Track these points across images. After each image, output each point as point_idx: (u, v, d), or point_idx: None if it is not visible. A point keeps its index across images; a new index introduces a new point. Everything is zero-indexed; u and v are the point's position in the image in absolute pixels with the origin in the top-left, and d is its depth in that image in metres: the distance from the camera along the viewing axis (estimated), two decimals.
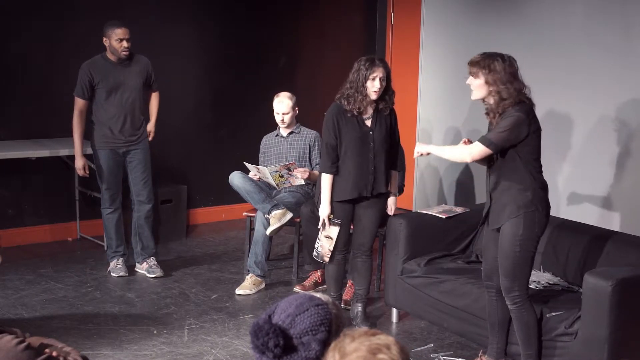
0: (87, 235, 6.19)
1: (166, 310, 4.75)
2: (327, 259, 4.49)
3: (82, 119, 5.16)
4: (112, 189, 5.31)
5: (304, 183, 5.14)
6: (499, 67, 3.55)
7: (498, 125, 3.58)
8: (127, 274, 5.35)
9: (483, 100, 3.65)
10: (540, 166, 3.68)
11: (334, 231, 4.41)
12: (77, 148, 5.22)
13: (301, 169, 5.10)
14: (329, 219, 4.41)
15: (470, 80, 3.64)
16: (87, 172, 5.28)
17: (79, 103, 5.14)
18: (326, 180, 4.39)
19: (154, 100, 5.51)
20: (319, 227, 4.47)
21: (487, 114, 3.69)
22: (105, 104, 5.15)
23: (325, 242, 4.44)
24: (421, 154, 3.87)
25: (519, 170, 3.60)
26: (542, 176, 3.68)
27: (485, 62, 3.58)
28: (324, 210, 4.40)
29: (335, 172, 4.37)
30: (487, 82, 3.57)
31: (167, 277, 5.38)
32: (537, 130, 3.62)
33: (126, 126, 5.20)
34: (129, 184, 5.38)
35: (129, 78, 5.20)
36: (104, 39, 5.12)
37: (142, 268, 5.42)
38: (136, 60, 5.26)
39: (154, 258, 5.47)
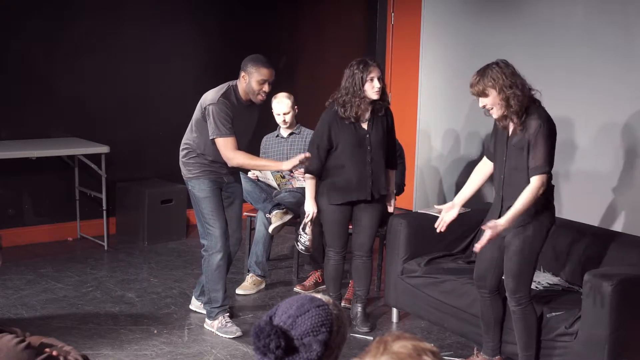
0: (87, 235, 6.20)
1: (166, 310, 4.76)
2: (311, 251, 4.68)
3: (244, 152, 4.26)
4: (222, 225, 4.31)
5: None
6: (498, 73, 3.49)
7: (535, 146, 3.51)
8: (242, 333, 4.32)
9: (502, 114, 3.54)
10: None
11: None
12: (271, 164, 4.54)
13: (302, 171, 5.08)
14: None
15: (482, 101, 3.55)
16: (306, 155, 4.20)
17: (232, 142, 4.18)
18: (310, 180, 4.44)
19: None
20: (305, 221, 4.50)
21: (503, 121, 3.58)
22: None
23: (310, 235, 4.54)
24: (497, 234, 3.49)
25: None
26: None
27: (485, 77, 3.51)
28: (310, 207, 4.44)
29: (319, 176, 4.41)
30: (499, 93, 3.49)
31: (168, 278, 5.39)
32: None
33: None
34: None
35: (252, 122, 4.42)
36: (242, 74, 4.21)
37: (211, 326, 4.42)
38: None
39: (229, 314, 4.47)
